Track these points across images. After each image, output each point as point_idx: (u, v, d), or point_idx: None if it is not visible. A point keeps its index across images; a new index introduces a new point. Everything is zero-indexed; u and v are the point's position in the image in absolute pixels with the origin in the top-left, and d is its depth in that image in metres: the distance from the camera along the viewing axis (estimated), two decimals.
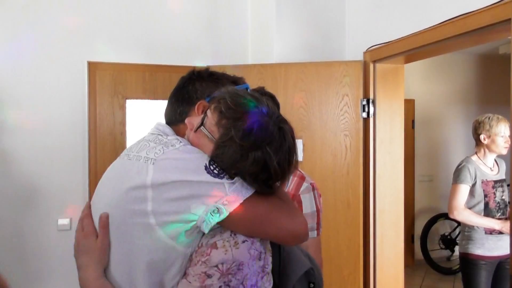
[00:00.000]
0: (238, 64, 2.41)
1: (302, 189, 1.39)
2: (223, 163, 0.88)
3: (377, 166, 2.26)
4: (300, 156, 2.01)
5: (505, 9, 1.40)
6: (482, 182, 2.68)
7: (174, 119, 1.10)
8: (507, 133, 2.67)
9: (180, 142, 0.93)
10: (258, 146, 0.86)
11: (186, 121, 1.00)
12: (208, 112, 0.93)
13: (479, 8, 1.54)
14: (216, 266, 0.86)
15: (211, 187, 0.86)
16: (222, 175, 0.87)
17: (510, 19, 1.38)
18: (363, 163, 2.24)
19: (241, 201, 0.86)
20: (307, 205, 1.38)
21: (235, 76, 1.15)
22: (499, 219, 2.67)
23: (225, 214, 0.86)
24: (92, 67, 2.49)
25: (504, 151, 2.70)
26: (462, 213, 2.66)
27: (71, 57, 2.50)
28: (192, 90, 1.10)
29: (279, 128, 0.90)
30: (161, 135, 1.01)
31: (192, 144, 0.96)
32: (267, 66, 2.32)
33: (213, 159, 0.89)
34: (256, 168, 0.87)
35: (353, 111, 2.23)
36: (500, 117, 2.75)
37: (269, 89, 1.10)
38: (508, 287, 2.68)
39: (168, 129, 1.05)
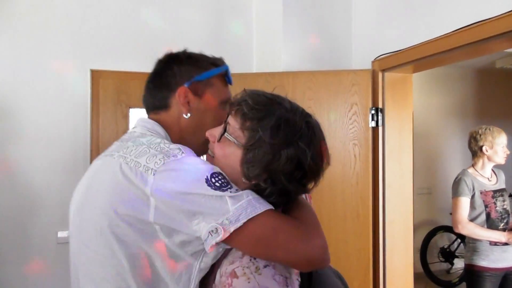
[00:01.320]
0: (245, 73, 2.38)
1: None
2: (255, 168, 0.83)
3: (386, 176, 2.24)
4: None
5: None
6: (481, 193, 2.70)
7: (154, 106, 1.05)
8: (505, 142, 2.73)
9: (182, 152, 0.88)
10: (289, 142, 0.82)
11: (206, 134, 0.95)
12: (229, 118, 0.89)
13: (491, 17, 1.55)
14: None
15: (211, 201, 0.80)
16: (225, 188, 0.81)
17: None
18: (372, 172, 2.22)
19: (244, 220, 0.79)
20: None
21: (214, 57, 1.10)
22: (503, 229, 2.67)
23: (224, 235, 0.79)
24: (95, 75, 2.44)
25: (503, 161, 2.75)
26: (467, 226, 2.66)
27: (74, 65, 2.46)
28: (170, 75, 1.05)
29: (306, 122, 0.86)
30: (153, 134, 0.97)
31: (217, 156, 0.90)
32: (275, 74, 2.30)
33: (244, 165, 0.84)
34: (291, 167, 0.82)
35: (362, 120, 2.21)
36: (499, 128, 2.81)
37: None
38: None
39: (157, 127, 1.01)
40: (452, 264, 4.91)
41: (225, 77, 1.09)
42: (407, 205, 2.31)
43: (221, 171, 0.86)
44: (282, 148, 0.82)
